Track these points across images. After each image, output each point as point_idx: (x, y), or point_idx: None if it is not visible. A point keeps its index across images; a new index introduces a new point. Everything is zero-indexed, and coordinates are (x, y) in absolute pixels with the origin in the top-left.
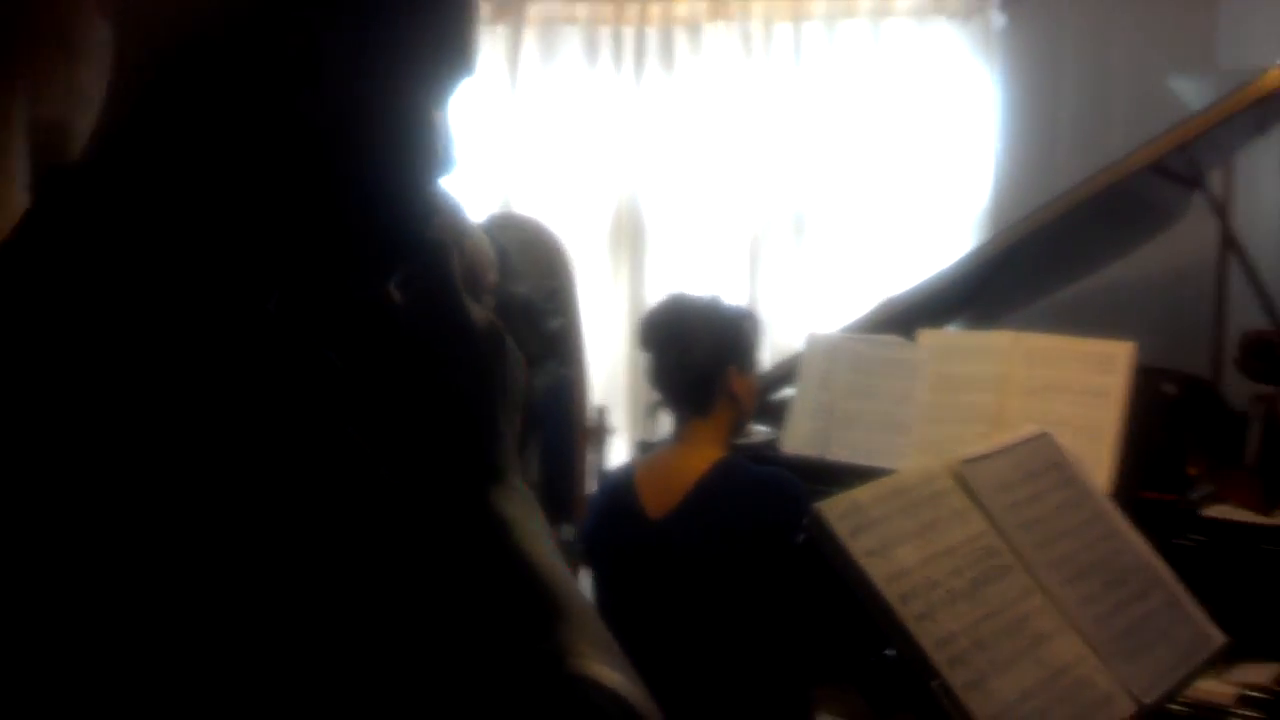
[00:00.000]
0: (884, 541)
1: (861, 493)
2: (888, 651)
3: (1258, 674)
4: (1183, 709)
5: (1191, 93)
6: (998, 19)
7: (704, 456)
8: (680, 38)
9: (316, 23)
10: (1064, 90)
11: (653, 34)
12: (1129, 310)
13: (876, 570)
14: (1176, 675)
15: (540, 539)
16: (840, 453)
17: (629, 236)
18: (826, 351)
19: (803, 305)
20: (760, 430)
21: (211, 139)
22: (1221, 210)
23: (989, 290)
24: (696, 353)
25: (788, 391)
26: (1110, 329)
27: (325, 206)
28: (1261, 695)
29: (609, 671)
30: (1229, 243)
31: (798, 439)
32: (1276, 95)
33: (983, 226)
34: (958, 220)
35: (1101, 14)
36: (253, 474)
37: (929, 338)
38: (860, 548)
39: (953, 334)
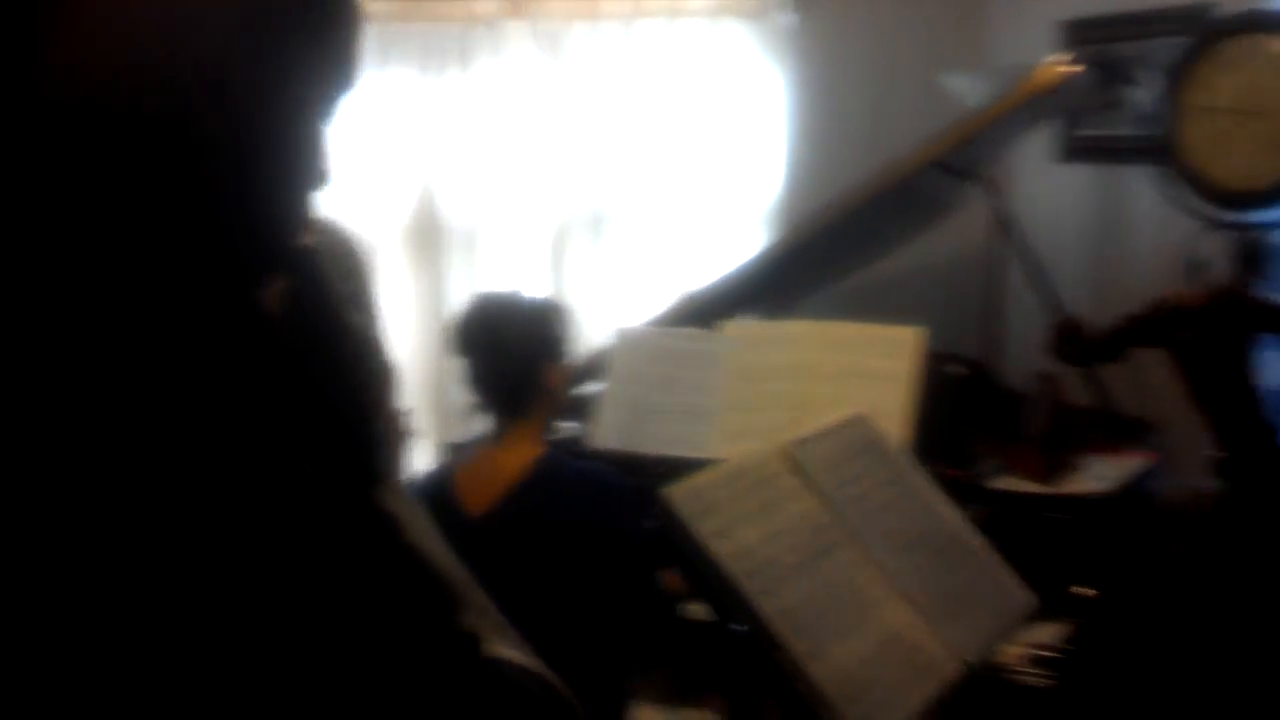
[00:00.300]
0: (726, 523)
1: (702, 478)
2: (734, 627)
3: (1045, 634)
4: (993, 672)
5: (965, 89)
6: (787, 19)
7: (524, 454)
8: (478, 36)
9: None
10: (850, 88)
11: (450, 32)
12: (913, 297)
13: (722, 550)
14: (996, 635)
15: (430, 534)
16: (648, 445)
17: (427, 237)
18: (633, 345)
19: (603, 302)
20: (566, 426)
21: (93, 147)
22: (998, 202)
23: (784, 282)
24: (512, 353)
25: (592, 387)
26: (897, 316)
27: (204, 215)
28: (1049, 654)
29: (518, 654)
30: (1004, 233)
31: (606, 433)
32: (1047, 92)
33: (775, 221)
34: (751, 215)
35: (884, 15)
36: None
37: (732, 329)
38: (706, 530)
39: (754, 324)
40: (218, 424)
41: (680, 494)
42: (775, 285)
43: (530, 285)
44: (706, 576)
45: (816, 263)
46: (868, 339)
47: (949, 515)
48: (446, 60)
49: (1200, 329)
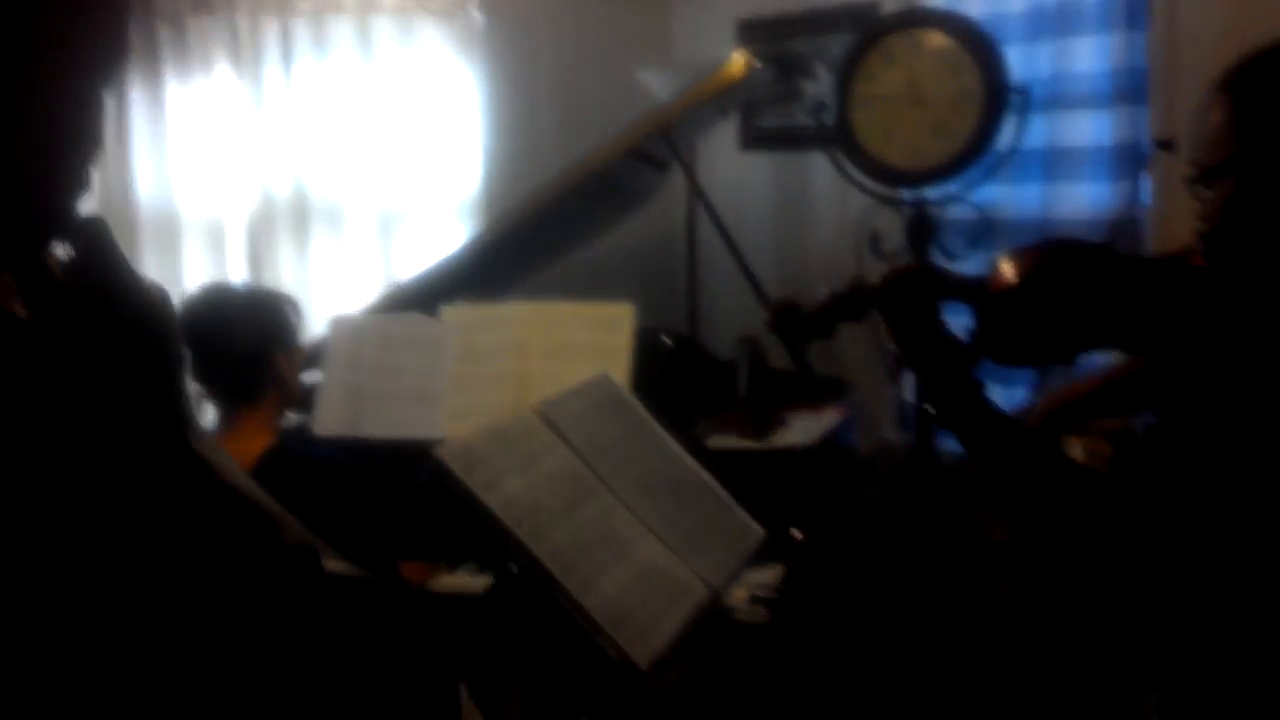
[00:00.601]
0: (493, 476)
1: (469, 437)
2: (511, 567)
3: (764, 576)
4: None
5: (655, 83)
6: (477, 17)
7: (255, 443)
8: (164, 38)
9: None
10: (540, 83)
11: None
12: (621, 278)
13: (492, 500)
14: (735, 563)
15: (239, 472)
16: (374, 429)
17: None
18: (351, 333)
19: (310, 294)
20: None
21: None
22: (692, 187)
23: (496, 268)
24: (240, 341)
25: (311, 376)
26: (607, 295)
27: None
28: (768, 595)
29: (349, 566)
30: (700, 216)
31: (329, 420)
32: (732, 86)
33: (478, 212)
34: (454, 207)
35: (571, 12)
36: None
37: (451, 313)
38: (476, 482)
39: (472, 309)
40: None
41: (449, 451)
42: (487, 272)
43: (235, 276)
44: (482, 524)
45: (526, 249)
46: (582, 317)
47: (685, 461)
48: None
49: (891, 301)
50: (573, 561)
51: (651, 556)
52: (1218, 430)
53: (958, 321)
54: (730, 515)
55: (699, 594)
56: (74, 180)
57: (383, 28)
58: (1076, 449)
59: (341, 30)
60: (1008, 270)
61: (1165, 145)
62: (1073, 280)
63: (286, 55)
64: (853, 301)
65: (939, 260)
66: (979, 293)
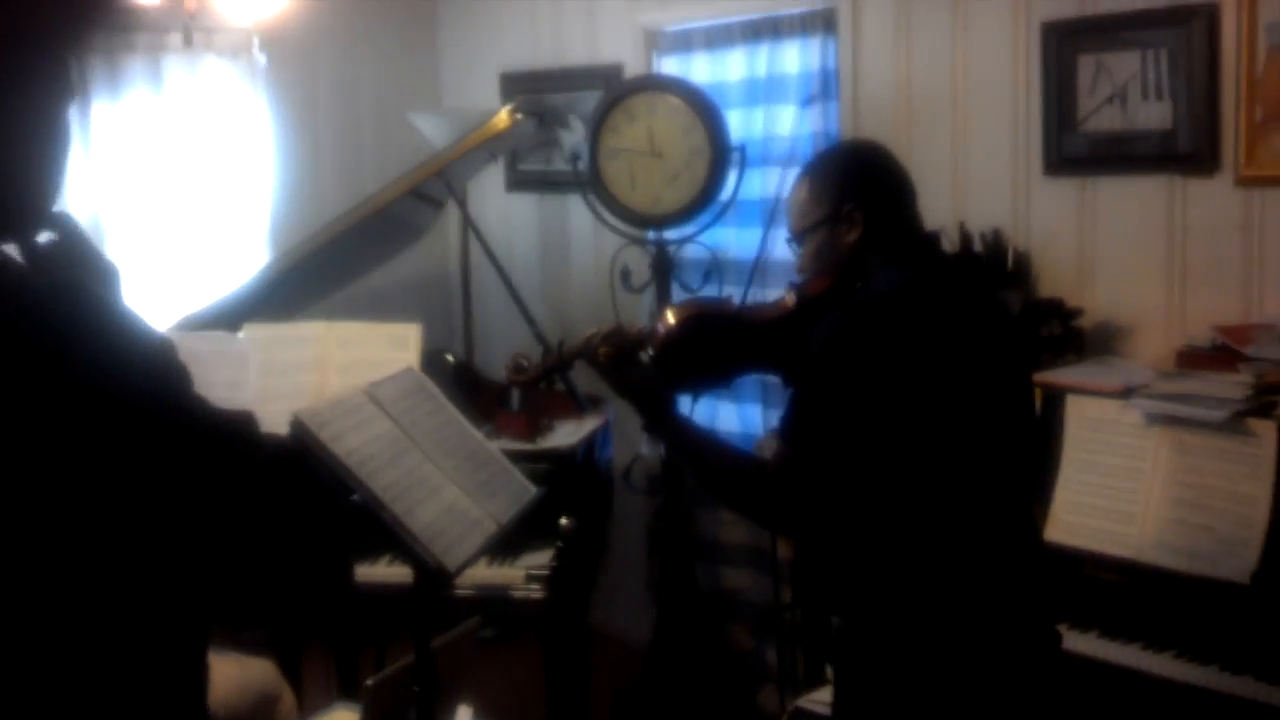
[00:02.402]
0: (337, 432)
1: (317, 406)
2: (354, 498)
3: (539, 558)
4: (478, 593)
5: (428, 127)
6: (260, 57)
7: None
8: None
9: None
10: (322, 123)
11: None
12: (402, 304)
13: (339, 449)
14: (516, 508)
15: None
16: None
17: None
18: None
19: None
20: None
21: None
22: (466, 222)
23: (285, 294)
24: None
25: None
26: (391, 319)
27: None
28: (541, 571)
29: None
30: (470, 249)
31: None
32: (503, 134)
33: (268, 242)
34: (246, 237)
35: (347, 57)
36: None
37: (252, 331)
38: (325, 436)
39: (273, 326)
40: None
41: (306, 414)
42: (281, 296)
43: None
44: (331, 467)
45: (317, 275)
46: (375, 335)
47: (475, 434)
48: None
49: (590, 358)
50: (398, 496)
51: (454, 499)
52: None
53: None
54: (511, 475)
55: (490, 527)
56: (50, 183)
57: (172, 65)
58: None
59: (134, 68)
60: (660, 328)
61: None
62: (694, 337)
63: (83, 93)
64: (561, 362)
65: (677, 292)
66: (651, 344)
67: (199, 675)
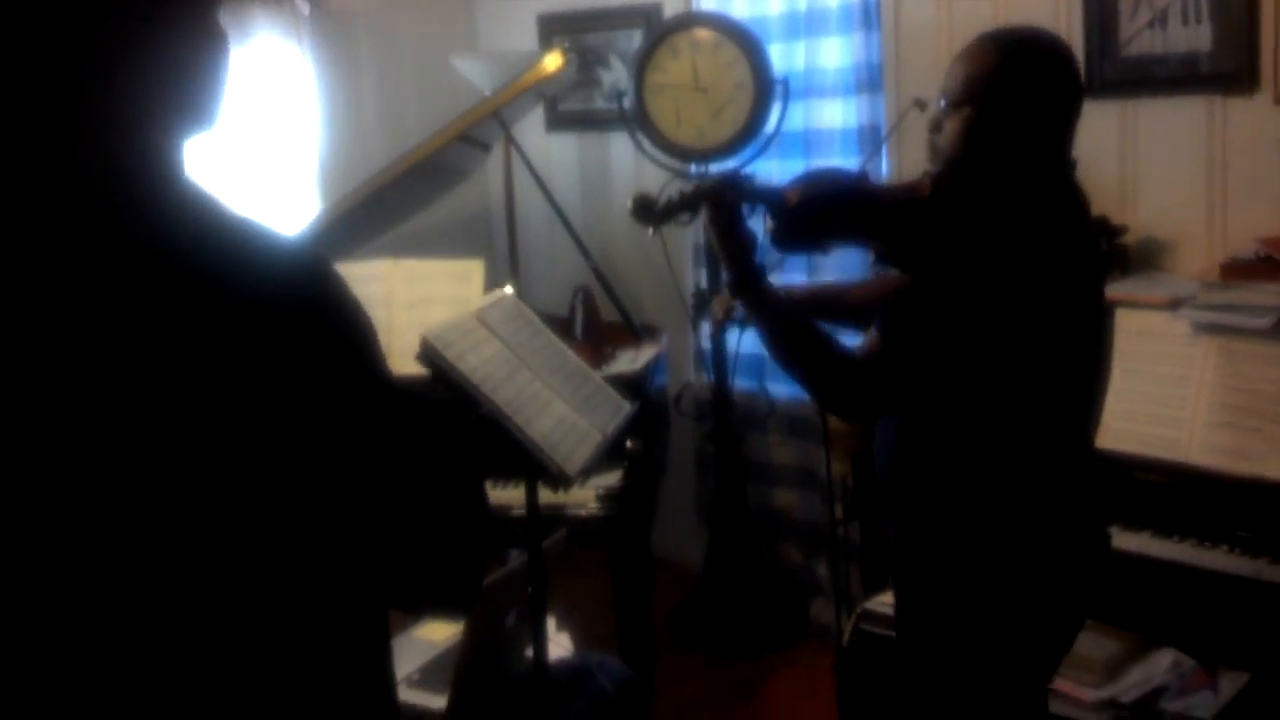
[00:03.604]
0: (459, 352)
1: (438, 327)
2: (482, 412)
3: (609, 480)
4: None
5: (471, 71)
6: (303, 7)
7: None
8: None
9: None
10: (364, 69)
11: None
12: (445, 243)
13: (464, 366)
14: (617, 420)
15: None
16: None
17: None
18: None
19: None
20: None
21: None
22: (510, 163)
23: (346, 234)
24: None
25: None
26: (446, 254)
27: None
28: (612, 491)
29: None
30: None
31: None
32: (554, 75)
33: (318, 189)
34: (295, 185)
35: (384, 5)
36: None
37: None
38: (452, 355)
39: (341, 265)
40: None
41: (433, 335)
42: (332, 242)
43: None
44: (456, 383)
45: (365, 221)
46: (439, 271)
47: (570, 354)
48: None
49: (713, 196)
50: (517, 409)
51: (564, 412)
52: (937, 304)
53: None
54: (606, 392)
55: (596, 438)
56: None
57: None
58: None
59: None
60: (796, 185)
61: (920, 104)
62: (832, 195)
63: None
64: (690, 196)
65: None
66: (775, 199)
67: (381, 664)
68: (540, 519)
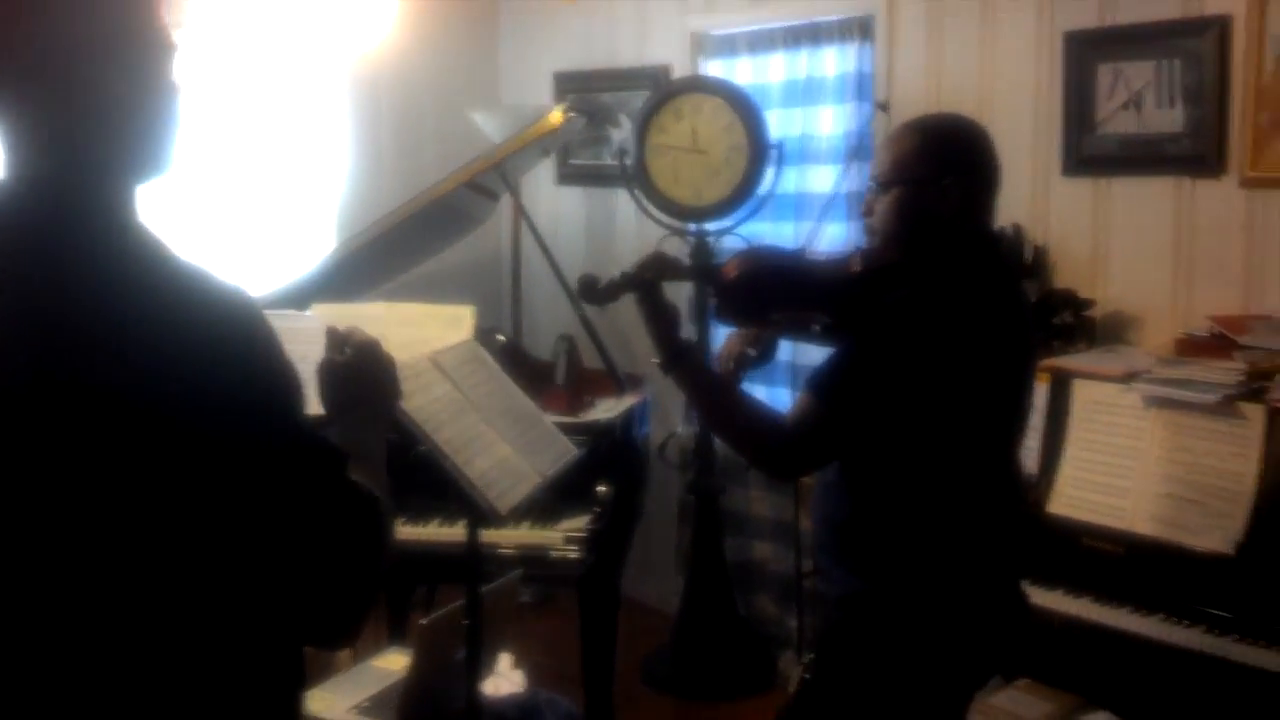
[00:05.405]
0: (407, 394)
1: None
2: (421, 448)
3: (577, 523)
4: (520, 552)
5: (486, 123)
6: (336, 59)
7: None
8: None
9: None
10: (386, 118)
11: None
12: (454, 288)
13: (408, 406)
14: (559, 464)
15: None
16: None
17: None
18: None
19: None
20: None
21: None
22: (518, 213)
23: (351, 278)
24: None
25: None
26: (444, 301)
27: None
28: (579, 534)
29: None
30: (521, 238)
31: None
32: (555, 130)
33: (336, 229)
34: (315, 225)
35: (411, 55)
36: None
37: (318, 310)
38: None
39: (338, 306)
40: None
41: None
42: (342, 282)
43: None
44: (402, 424)
45: (377, 262)
46: (432, 316)
47: (524, 399)
48: None
49: (635, 279)
50: (458, 448)
51: (505, 454)
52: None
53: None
54: (555, 436)
55: (535, 479)
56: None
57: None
58: None
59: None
60: (732, 262)
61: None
62: (766, 271)
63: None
64: (621, 280)
65: None
66: (712, 275)
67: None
68: (479, 557)
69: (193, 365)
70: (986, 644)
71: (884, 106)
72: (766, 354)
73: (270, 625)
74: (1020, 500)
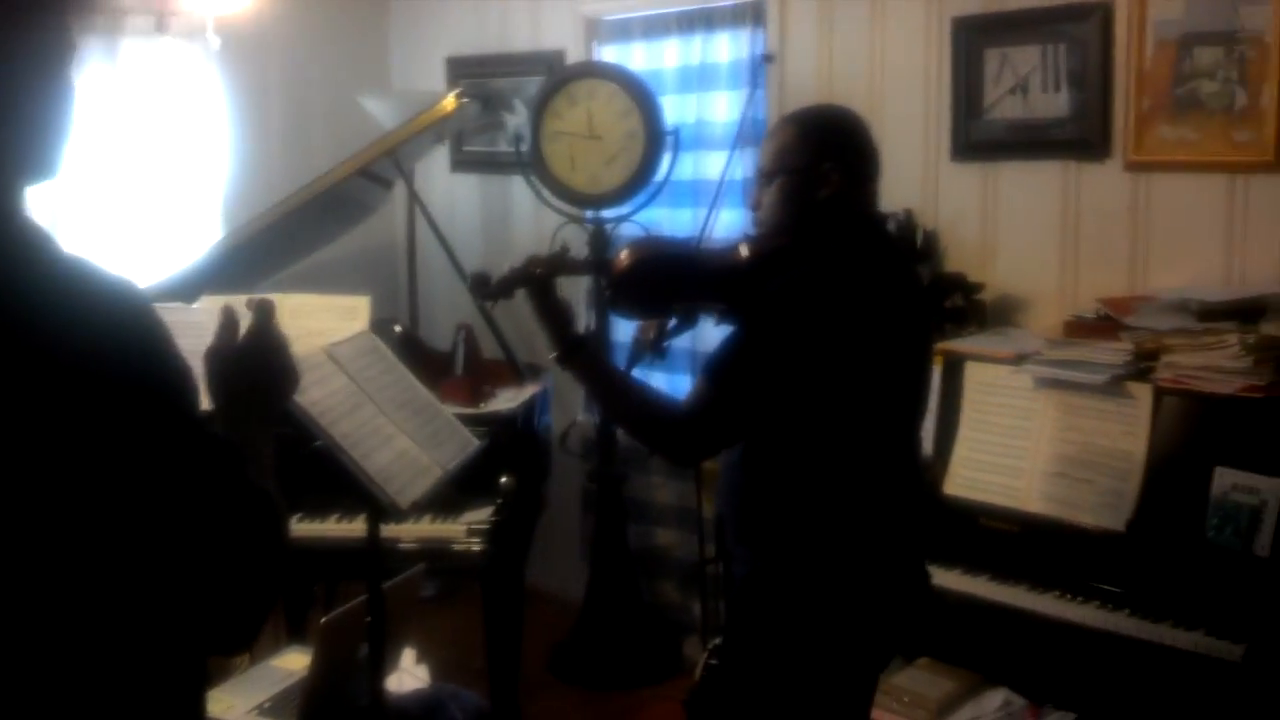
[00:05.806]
0: (302, 387)
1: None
2: (318, 443)
3: (480, 515)
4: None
5: (377, 109)
6: (214, 40)
7: None
8: None
9: None
10: (274, 104)
11: None
12: (349, 277)
13: (303, 400)
14: (460, 456)
15: None
16: None
17: None
18: None
19: None
20: None
21: None
22: (412, 201)
23: (243, 266)
24: None
25: None
26: (338, 291)
27: None
28: (481, 526)
29: None
30: (416, 227)
31: None
32: (448, 116)
33: (221, 219)
34: (200, 215)
35: (299, 40)
36: None
37: (208, 302)
38: None
39: (229, 299)
40: None
41: None
42: (231, 273)
43: None
44: (297, 418)
45: (267, 252)
46: (326, 307)
47: (423, 391)
48: None
49: (524, 275)
50: (356, 443)
51: (405, 447)
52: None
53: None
54: (456, 429)
55: (436, 472)
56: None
57: (129, 45)
58: None
59: (91, 47)
60: (622, 256)
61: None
62: (655, 262)
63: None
64: (510, 276)
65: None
66: (604, 268)
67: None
68: (380, 552)
69: (84, 360)
70: (890, 623)
71: (769, 58)
72: (664, 342)
73: (168, 630)
74: (920, 480)
